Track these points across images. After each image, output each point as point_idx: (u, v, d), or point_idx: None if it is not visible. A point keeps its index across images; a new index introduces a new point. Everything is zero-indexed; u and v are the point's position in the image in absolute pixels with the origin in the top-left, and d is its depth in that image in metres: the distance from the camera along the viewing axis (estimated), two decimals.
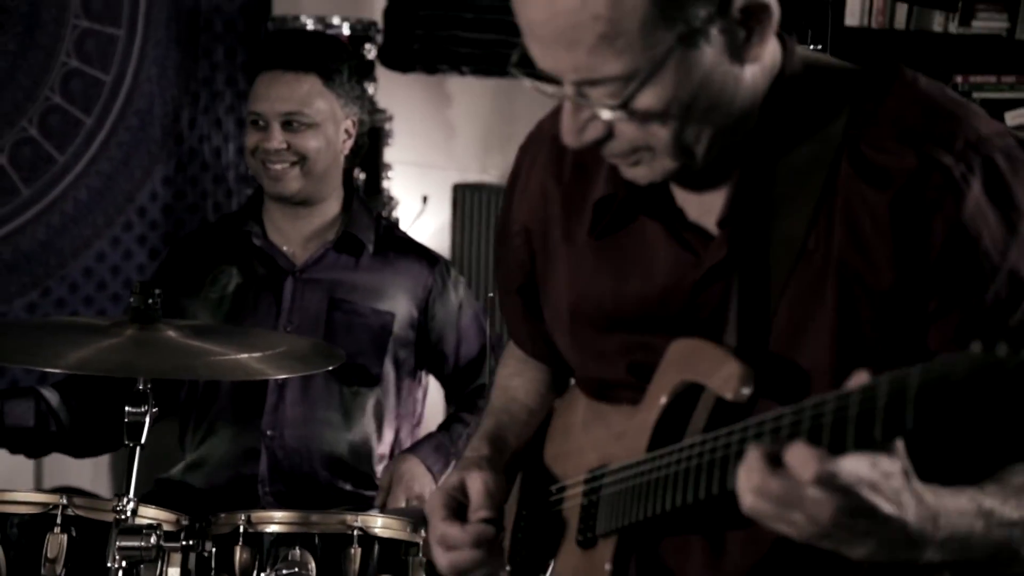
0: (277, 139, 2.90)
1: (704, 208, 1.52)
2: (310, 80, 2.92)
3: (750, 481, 1.29)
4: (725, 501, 1.36)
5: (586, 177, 1.62)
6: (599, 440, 1.63)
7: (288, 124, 2.91)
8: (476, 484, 1.67)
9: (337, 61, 2.95)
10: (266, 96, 2.92)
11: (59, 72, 3.74)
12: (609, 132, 1.43)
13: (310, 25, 3.96)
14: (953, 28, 3.19)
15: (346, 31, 3.98)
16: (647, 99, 1.38)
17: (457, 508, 1.67)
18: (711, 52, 1.38)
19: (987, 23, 3.18)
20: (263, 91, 2.93)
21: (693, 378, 1.49)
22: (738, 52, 1.40)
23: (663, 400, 1.52)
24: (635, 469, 1.53)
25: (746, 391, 1.43)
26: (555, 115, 1.61)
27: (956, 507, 1.33)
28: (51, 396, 2.89)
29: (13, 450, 2.92)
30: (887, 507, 1.27)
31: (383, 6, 4.33)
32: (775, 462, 1.28)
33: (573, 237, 1.63)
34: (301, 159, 2.92)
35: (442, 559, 1.66)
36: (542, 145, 1.69)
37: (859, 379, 1.25)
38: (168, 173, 3.96)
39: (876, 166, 1.42)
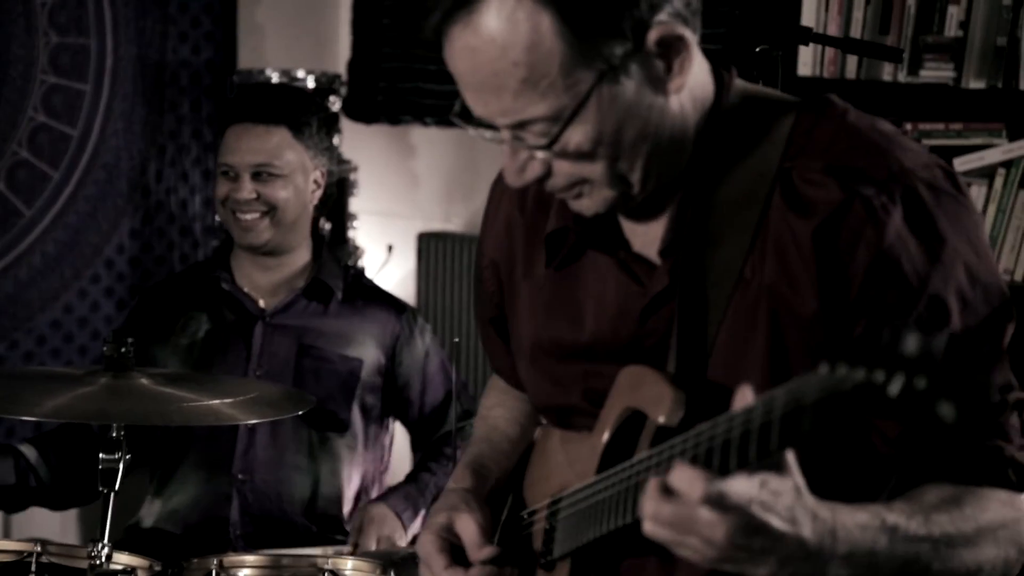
0: (247, 189, 2.95)
1: (648, 239, 1.57)
2: (280, 132, 2.97)
3: (647, 508, 1.33)
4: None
5: (543, 211, 1.67)
6: (560, 466, 1.67)
7: (258, 175, 2.96)
8: (468, 525, 1.69)
9: (306, 113, 3.01)
10: (236, 148, 2.97)
11: (26, 127, 3.78)
12: (548, 170, 1.49)
13: (275, 78, 4.01)
14: (902, 77, 3.27)
15: (311, 83, 4.04)
16: (576, 136, 1.44)
17: (452, 551, 1.69)
18: (632, 86, 1.44)
19: (934, 72, 3.26)
20: (233, 143, 2.98)
21: (635, 404, 1.53)
22: (660, 83, 1.46)
23: (610, 427, 1.56)
24: (582, 493, 1.57)
25: (677, 416, 1.46)
26: None
27: (855, 521, 1.36)
28: (29, 452, 2.92)
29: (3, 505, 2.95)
30: (780, 524, 1.30)
31: (347, 58, 4.40)
32: (667, 489, 1.31)
33: (532, 269, 1.68)
34: (271, 209, 2.97)
35: None
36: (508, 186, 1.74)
37: (743, 398, 1.30)
38: (135, 225, 4.00)
39: (803, 197, 1.47)
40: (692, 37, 1.46)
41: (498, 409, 1.89)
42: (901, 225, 1.44)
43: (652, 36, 1.43)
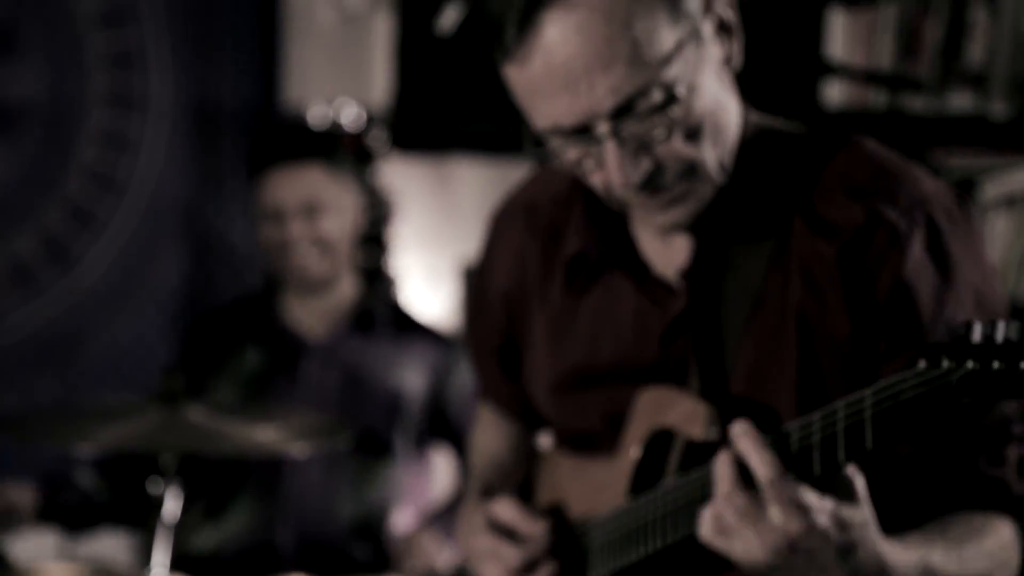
0: (297, 229, 3.03)
1: (667, 261, 1.59)
2: (316, 167, 3.06)
3: (720, 487, 1.34)
4: (699, 544, 1.41)
5: (558, 238, 1.68)
6: (582, 492, 1.68)
7: (305, 213, 3.04)
8: (507, 506, 1.67)
9: (337, 146, 3.10)
10: (278, 190, 3.04)
11: (78, 167, 3.87)
12: (657, 163, 1.46)
13: (318, 110, 4.08)
14: (928, 106, 3.31)
15: (355, 116, 4.11)
16: (689, 101, 1.43)
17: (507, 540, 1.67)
18: (712, 55, 1.46)
19: (960, 100, 3.30)
20: (274, 187, 3.04)
21: (663, 423, 1.55)
22: (726, 60, 1.48)
23: (637, 449, 1.58)
24: (617, 520, 1.59)
25: (714, 430, 1.49)
26: (525, 187, 1.71)
27: (905, 561, 1.39)
28: (88, 477, 3.02)
29: (69, 526, 3.05)
30: (834, 558, 1.32)
31: (389, 89, 4.47)
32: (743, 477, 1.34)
33: (548, 296, 1.69)
34: (321, 244, 3.05)
35: None
36: (515, 214, 1.75)
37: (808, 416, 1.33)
38: (184, 262, 4.07)
39: (826, 220, 1.49)
40: (740, 31, 1.49)
41: (490, 442, 1.88)
42: (922, 252, 1.48)
43: (716, 12, 1.46)
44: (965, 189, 3.23)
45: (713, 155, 1.49)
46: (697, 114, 1.45)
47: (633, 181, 1.45)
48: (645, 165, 1.45)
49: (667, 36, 1.41)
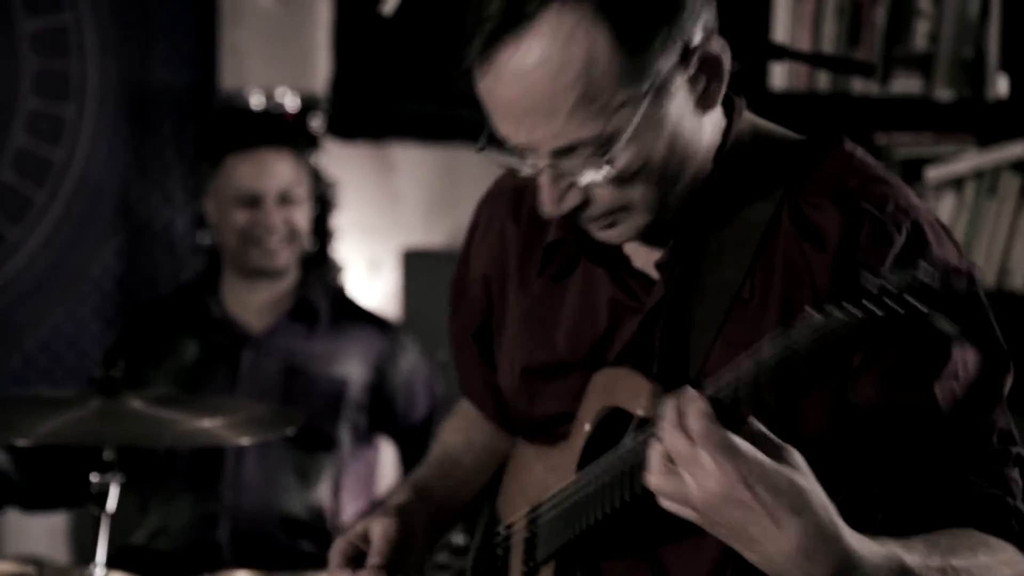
0: (276, 216, 3.01)
1: (650, 257, 1.57)
2: (290, 156, 3.06)
3: (666, 435, 1.31)
4: (645, 506, 1.38)
5: (540, 226, 1.66)
6: (538, 476, 1.68)
7: (282, 200, 3.02)
8: (377, 531, 1.69)
9: (302, 136, 3.08)
10: (259, 174, 3.01)
11: (10, 151, 3.81)
12: (586, 198, 1.46)
13: (257, 98, 4.04)
14: (873, 90, 3.32)
15: (294, 103, 4.07)
16: (626, 156, 1.42)
17: (355, 556, 1.70)
18: (678, 103, 1.43)
19: (904, 84, 3.32)
20: (252, 170, 3.02)
21: (612, 403, 1.55)
22: (700, 101, 1.45)
23: (587, 427, 1.58)
24: (565, 492, 1.58)
25: (656, 406, 1.44)
26: (512, 172, 1.65)
27: (873, 552, 1.33)
28: (2, 458, 2.96)
29: None
30: (801, 479, 1.28)
31: (327, 77, 4.44)
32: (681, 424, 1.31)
33: (526, 283, 1.67)
34: (292, 234, 3.03)
35: None
36: (501, 198, 1.73)
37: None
38: (121, 246, 4.02)
39: (812, 223, 1.47)
40: (726, 58, 1.45)
41: (456, 434, 1.88)
42: (904, 255, 1.44)
43: (696, 54, 1.42)
44: (910, 171, 3.25)
45: (652, 196, 1.47)
46: (637, 165, 1.44)
47: (558, 212, 1.48)
48: (572, 200, 1.47)
49: (617, 96, 1.40)
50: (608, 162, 1.42)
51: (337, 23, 4.43)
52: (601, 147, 1.41)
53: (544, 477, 1.66)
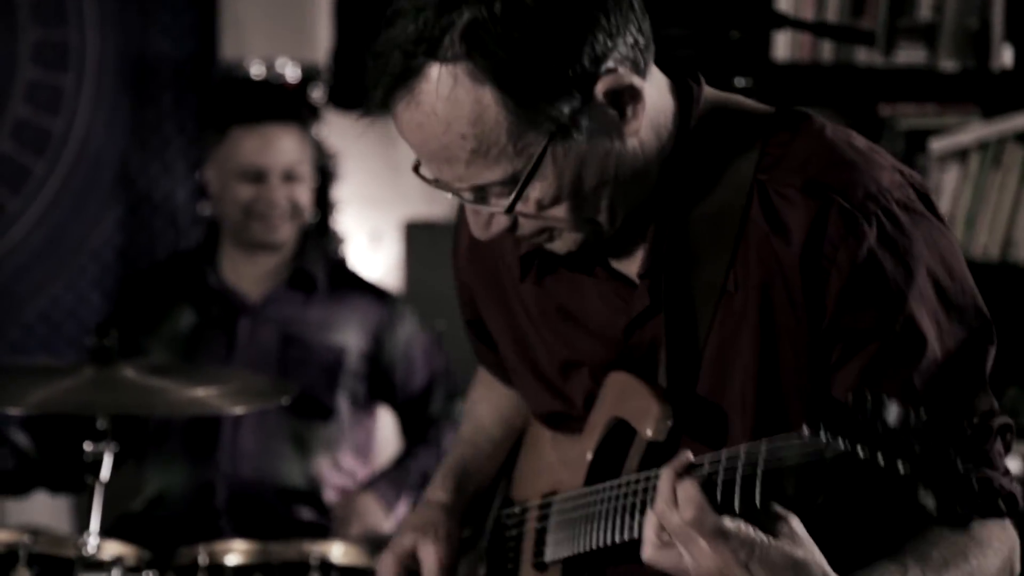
0: (280, 192, 3.00)
1: (626, 258, 1.56)
2: (296, 132, 3.06)
3: (658, 504, 1.33)
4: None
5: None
6: (551, 465, 1.69)
7: (287, 177, 3.01)
8: (429, 556, 1.72)
9: (305, 109, 3.07)
10: (265, 150, 3.00)
11: (9, 121, 3.79)
12: (513, 223, 1.47)
13: (258, 68, 4.02)
14: (876, 61, 3.30)
15: (295, 73, 4.05)
16: (535, 193, 1.43)
17: None
18: (585, 138, 1.42)
19: (908, 55, 3.29)
20: (259, 145, 3.01)
21: (622, 415, 1.55)
22: (614, 129, 1.44)
23: (597, 436, 1.58)
24: (574, 502, 1.59)
25: (663, 431, 1.48)
26: None
27: None
28: (22, 438, 2.96)
29: (2, 491, 3.00)
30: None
31: (328, 47, 4.41)
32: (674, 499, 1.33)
33: (513, 283, 1.66)
34: (295, 210, 3.03)
35: None
36: None
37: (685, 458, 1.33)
38: (120, 217, 4.01)
39: (780, 217, 1.45)
40: (641, 83, 1.43)
41: (483, 405, 1.89)
42: (876, 246, 1.42)
43: (600, 88, 1.41)
44: (914, 143, 3.22)
45: (577, 218, 1.47)
46: (551, 197, 1.44)
47: (489, 234, 1.49)
48: (499, 224, 1.48)
49: (516, 143, 1.40)
50: (512, 204, 1.43)
51: None
52: (507, 186, 1.42)
53: (557, 468, 1.67)
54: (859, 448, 1.18)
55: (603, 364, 1.59)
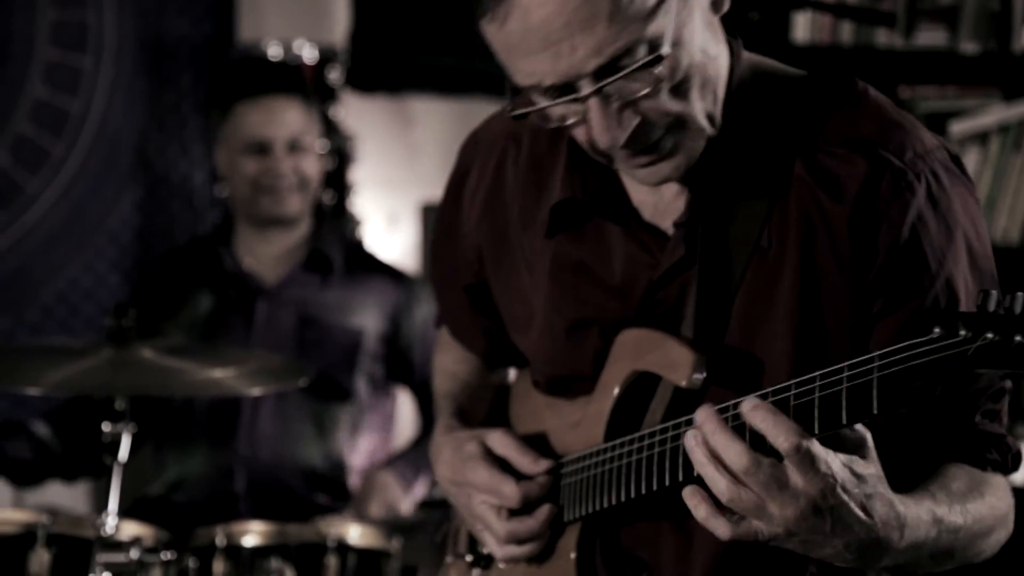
0: (286, 163, 3.01)
1: (659, 209, 1.55)
2: (299, 103, 3.06)
3: (739, 462, 1.31)
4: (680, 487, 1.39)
5: (543, 181, 1.62)
6: (557, 429, 1.66)
7: (292, 148, 3.02)
8: (507, 440, 1.63)
9: (307, 84, 3.07)
10: (268, 122, 3.01)
11: (28, 103, 3.80)
12: (643, 118, 1.41)
13: (275, 50, 4.02)
14: (897, 42, 3.28)
15: (312, 54, 4.05)
16: (674, 57, 1.38)
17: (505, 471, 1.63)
18: (700, 1, 1.41)
19: (929, 37, 3.28)
20: (261, 117, 3.02)
21: (645, 367, 1.53)
22: (713, 3, 1.43)
23: (616, 390, 1.56)
24: (594, 459, 1.56)
25: (698, 377, 1.47)
26: (503, 117, 1.63)
27: (918, 517, 1.39)
28: (41, 428, 2.97)
29: (16, 481, 3.01)
30: (856, 511, 1.32)
31: (346, 29, 4.41)
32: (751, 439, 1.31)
33: (532, 244, 1.64)
34: (302, 181, 3.03)
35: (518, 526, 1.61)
36: (493, 147, 1.70)
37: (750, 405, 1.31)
38: (137, 199, 4.02)
39: (829, 173, 1.46)
40: None
41: (462, 366, 1.84)
42: (925, 205, 1.45)
43: None
44: (935, 125, 3.20)
45: (701, 108, 1.44)
46: (684, 68, 1.40)
47: (619, 140, 1.42)
48: (630, 122, 1.41)
49: None
50: (659, 60, 1.37)
51: None
52: (647, 50, 1.37)
53: (565, 431, 1.65)
54: (1015, 335, 1.19)
55: (616, 321, 1.57)
